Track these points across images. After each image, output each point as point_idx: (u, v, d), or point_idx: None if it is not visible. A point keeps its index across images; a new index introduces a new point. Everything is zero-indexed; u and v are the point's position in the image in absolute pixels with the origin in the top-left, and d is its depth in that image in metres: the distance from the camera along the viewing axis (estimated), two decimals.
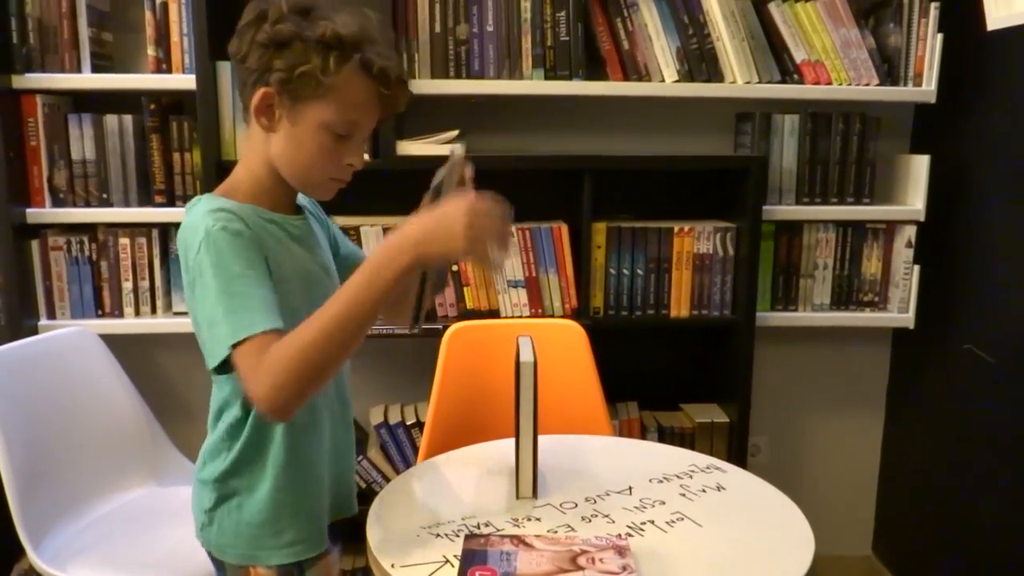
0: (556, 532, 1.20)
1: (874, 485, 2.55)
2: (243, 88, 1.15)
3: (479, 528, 1.20)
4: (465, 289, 2.10)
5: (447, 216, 1.05)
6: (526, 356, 1.31)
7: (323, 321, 1.02)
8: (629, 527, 1.22)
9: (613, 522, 1.23)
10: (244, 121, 1.20)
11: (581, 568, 1.07)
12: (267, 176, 1.17)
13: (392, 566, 1.11)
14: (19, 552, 1.69)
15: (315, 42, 1.09)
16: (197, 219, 1.09)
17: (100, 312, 2.09)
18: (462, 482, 1.41)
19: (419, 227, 1.05)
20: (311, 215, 1.28)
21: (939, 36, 2.08)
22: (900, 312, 2.22)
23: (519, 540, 1.14)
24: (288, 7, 1.11)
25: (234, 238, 1.06)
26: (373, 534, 1.20)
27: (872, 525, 2.57)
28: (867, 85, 2.12)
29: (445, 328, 1.96)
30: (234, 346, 1.02)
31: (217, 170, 1.97)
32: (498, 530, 1.20)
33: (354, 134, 1.16)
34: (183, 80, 1.99)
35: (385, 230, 2.05)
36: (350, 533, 1.33)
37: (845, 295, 2.23)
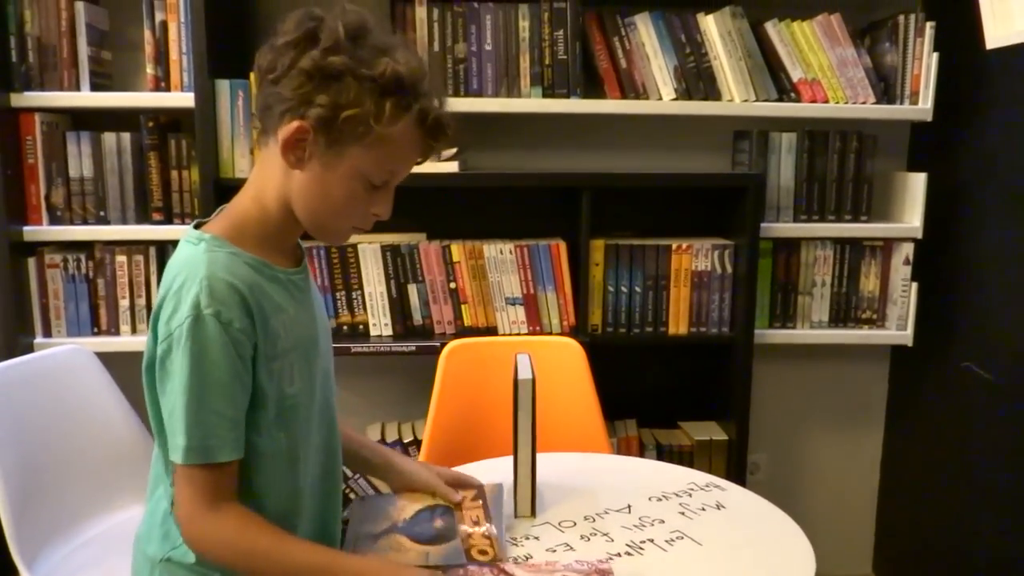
0: (555, 551, 1.19)
1: (874, 503, 2.54)
2: (266, 110, 1.02)
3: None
4: (463, 307, 2.09)
5: None
6: (524, 373, 1.30)
7: (280, 559, 1.01)
8: (628, 546, 1.21)
9: (612, 540, 1.22)
10: (259, 143, 1.07)
11: None
12: (279, 216, 1.06)
13: None
14: (11, 574, 1.67)
15: (371, 82, 0.97)
16: (194, 269, 0.99)
17: (96, 330, 2.09)
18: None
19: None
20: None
21: (935, 55, 2.09)
22: (899, 329, 2.22)
23: (499, 569, 1.13)
24: (345, 32, 0.97)
25: (224, 331, 0.97)
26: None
27: (872, 543, 2.56)
28: (864, 103, 2.13)
29: (443, 345, 1.95)
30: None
31: (215, 188, 1.98)
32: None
33: (389, 183, 1.07)
34: (182, 98, 1.99)
35: (383, 248, 2.05)
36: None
37: (843, 312, 2.23)
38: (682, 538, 1.24)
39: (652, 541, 1.23)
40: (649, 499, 1.37)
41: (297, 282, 1.10)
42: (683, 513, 1.32)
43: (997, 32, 1.71)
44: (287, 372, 1.05)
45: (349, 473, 2.09)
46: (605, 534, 1.24)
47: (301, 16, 1.00)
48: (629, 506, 1.34)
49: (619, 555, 1.18)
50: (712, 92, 2.10)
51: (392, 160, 1.04)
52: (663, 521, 1.29)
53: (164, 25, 1.99)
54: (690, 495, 1.39)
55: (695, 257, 2.12)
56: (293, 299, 1.08)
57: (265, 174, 1.06)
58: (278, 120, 1.00)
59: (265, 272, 1.05)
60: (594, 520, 1.29)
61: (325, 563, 1.05)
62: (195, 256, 1.00)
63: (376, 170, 1.03)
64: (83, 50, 1.98)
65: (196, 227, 1.07)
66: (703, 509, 1.34)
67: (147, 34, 1.99)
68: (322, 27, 0.98)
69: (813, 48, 2.11)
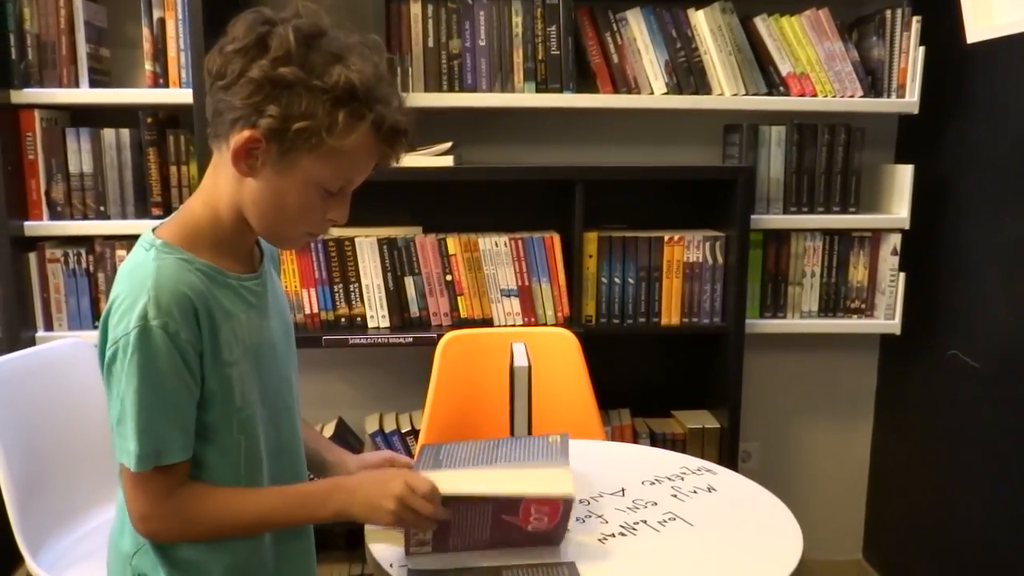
0: None
1: (864, 489, 2.58)
2: (217, 116, 1.00)
3: None
4: (459, 298, 2.13)
5: (382, 490, 1.07)
6: (520, 361, 1.34)
7: (241, 511, 1.05)
8: (622, 527, 1.24)
9: (606, 522, 1.26)
10: (211, 145, 1.04)
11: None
12: (232, 223, 1.04)
13: (391, 566, 1.13)
14: (17, 561, 1.70)
15: (323, 93, 0.95)
16: (143, 278, 0.97)
17: (97, 323, 2.11)
18: None
19: (353, 491, 1.08)
20: (268, 256, 1.17)
21: (921, 49, 2.13)
22: (887, 319, 2.26)
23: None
24: (295, 38, 0.95)
25: (171, 341, 0.96)
26: (372, 537, 1.21)
27: (862, 529, 2.60)
28: (851, 97, 2.16)
29: (439, 337, 1.99)
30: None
31: None
32: None
33: (345, 190, 1.05)
34: (180, 94, 2.02)
35: (380, 241, 2.08)
36: (351, 540, 1.34)
37: (832, 302, 2.27)
38: (674, 519, 1.27)
39: (645, 522, 1.26)
40: (642, 483, 1.41)
41: (251, 287, 1.09)
42: (675, 495, 1.36)
43: (977, 27, 1.75)
44: (240, 378, 1.05)
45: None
46: (600, 516, 1.28)
47: (252, 20, 0.97)
48: (623, 489, 1.38)
49: (613, 536, 1.22)
50: (703, 86, 2.14)
51: (347, 169, 1.02)
52: (656, 503, 1.33)
53: (162, 22, 2.01)
54: (682, 478, 1.43)
55: (687, 249, 2.16)
56: (247, 304, 1.07)
57: (218, 180, 1.04)
58: (229, 127, 0.98)
59: (216, 279, 1.03)
60: (589, 503, 1.32)
61: (291, 503, 1.08)
62: (144, 263, 1.00)
63: (331, 178, 1.01)
64: (82, 47, 2.01)
65: (154, 229, 1.06)
66: (695, 492, 1.38)
67: (145, 31, 2.02)
68: (273, 34, 0.96)
69: (801, 43, 2.15)
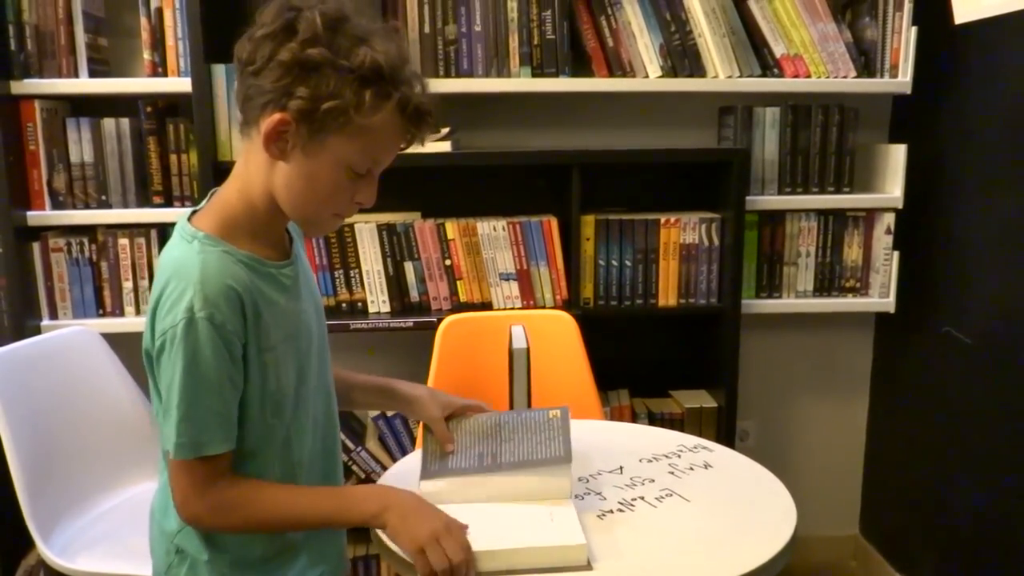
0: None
1: (860, 466, 2.61)
2: (247, 101, 1.03)
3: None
4: (458, 283, 2.15)
5: (421, 514, 1.08)
6: (519, 343, 1.37)
7: (286, 510, 1.08)
8: (620, 503, 1.27)
9: (605, 499, 1.29)
10: (241, 133, 1.08)
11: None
12: (266, 209, 1.08)
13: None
14: (28, 546, 1.73)
15: (350, 73, 0.98)
16: (189, 271, 1.01)
17: (101, 312, 2.14)
18: None
19: (396, 507, 1.08)
20: (296, 238, 1.21)
21: (914, 29, 2.14)
22: (881, 297, 2.28)
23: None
24: (322, 22, 0.98)
25: (217, 333, 1.00)
26: None
27: (858, 505, 2.64)
28: (845, 77, 2.18)
29: (439, 321, 2.01)
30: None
31: (214, 171, 2.02)
32: None
33: (373, 171, 1.08)
34: (179, 83, 2.03)
35: (379, 227, 2.10)
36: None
37: (828, 282, 2.29)
38: (671, 495, 1.30)
39: (643, 499, 1.29)
40: (640, 460, 1.43)
41: (287, 273, 1.12)
42: (672, 472, 1.39)
43: (964, 8, 1.76)
44: (279, 363, 1.09)
45: (352, 445, 2.16)
46: (598, 493, 1.31)
47: (279, 6, 1.00)
48: (621, 467, 1.40)
49: (611, 512, 1.25)
50: (697, 69, 2.15)
51: (374, 149, 1.05)
52: (653, 480, 1.35)
53: (159, 12, 2.02)
54: (679, 456, 1.46)
55: (683, 230, 2.18)
56: (283, 291, 1.11)
57: (250, 167, 1.07)
58: (259, 112, 1.01)
59: (257, 269, 1.07)
60: (588, 480, 1.35)
61: (333, 506, 1.11)
62: (189, 256, 1.03)
63: (359, 159, 1.04)
64: (80, 37, 2.02)
65: (189, 217, 1.10)
66: (691, 469, 1.40)
67: (143, 20, 2.03)
68: (300, 18, 0.98)
69: (795, 24, 2.16)
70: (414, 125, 1.05)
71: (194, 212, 1.11)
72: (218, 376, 1.02)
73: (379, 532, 1.13)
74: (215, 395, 1.02)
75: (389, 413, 2.21)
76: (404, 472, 1.36)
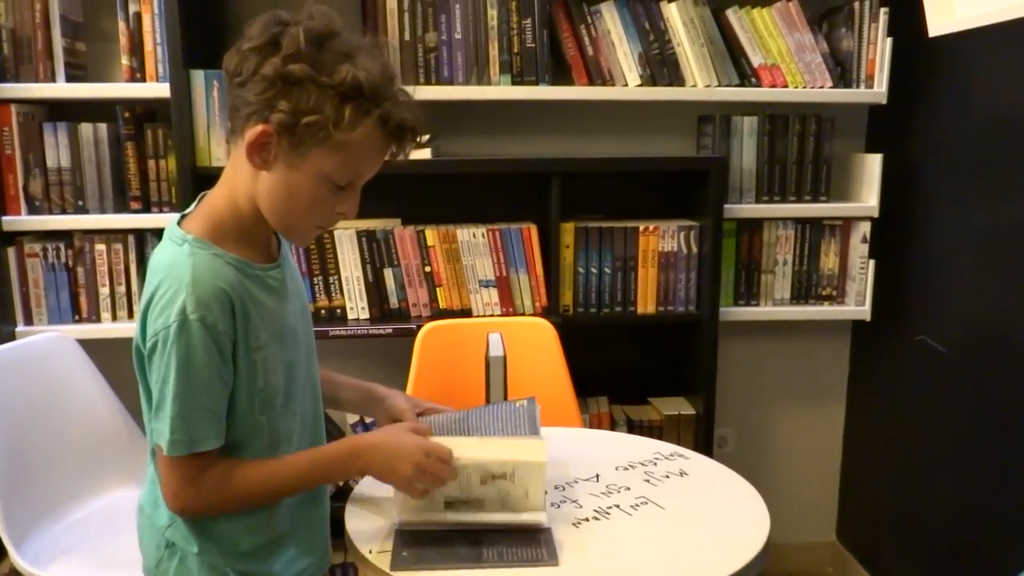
0: None
1: (837, 473, 2.63)
2: (234, 112, 1.06)
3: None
4: (438, 289, 2.15)
5: (399, 453, 1.14)
6: (495, 351, 1.37)
7: (268, 481, 1.12)
8: (595, 511, 1.28)
9: (581, 507, 1.29)
10: (228, 141, 1.12)
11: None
12: (251, 214, 1.10)
13: (370, 552, 1.16)
14: (0, 555, 1.72)
15: (331, 89, 1.00)
16: (180, 273, 1.04)
17: (77, 317, 2.12)
18: None
19: (372, 453, 1.16)
20: (284, 242, 1.24)
21: (889, 40, 2.17)
22: (857, 305, 2.31)
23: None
24: (306, 38, 1.00)
25: (208, 333, 1.03)
26: (351, 525, 1.24)
27: (836, 512, 2.66)
28: (821, 87, 2.20)
29: (419, 328, 2.01)
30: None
31: (192, 177, 2.01)
32: None
33: (354, 183, 1.10)
34: (157, 88, 2.02)
35: (359, 233, 2.10)
36: (331, 531, 1.37)
37: (804, 290, 2.31)
38: (646, 503, 1.31)
39: (618, 507, 1.30)
40: (616, 468, 1.44)
41: (274, 275, 1.15)
42: (648, 480, 1.39)
43: (938, 20, 1.79)
44: (268, 362, 1.12)
45: None
46: (574, 501, 1.31)
47: (267, 20, 1.03)
48: (597, 475, 1.41)
49: (587, 520, 1.25)
50: (676, 78, 2.17)
51: (355, 163, 1.07)
52: (629, 488, 1.36)
53: (138, 16, 2.01)
54: (655, 464, 1.47)
55: (662, 238, 2.19)
56: (270, 293, 1.14)
57: (236, 174, 1.10)
58: (244, 122, 1.04)
59: (245, 271, 1.10)
60: (564, 488, 1.36)
61: (309, 461, 1.16)
62: (180, 258, 1.06)
63: (339, 172, 1.06)
64: (58, 41, 2.01)
65: (179, 221, 1.13)
66: (667, 477, 1.41)
67: (121, 25, 2.02)
68: (285, 33, 1.01)
69: (772, 34, 2.18)
70: (396, 140, 1.08)
71: (184, 216, 1.14)
72: (210, 375, 1.05)
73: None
74: (207, 394, 1.05)
75: (368, 420, 2.21)
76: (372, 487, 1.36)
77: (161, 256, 1.09)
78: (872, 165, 2.23)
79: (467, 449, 1.18)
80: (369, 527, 1.24)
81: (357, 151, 1.05)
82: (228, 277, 1.07)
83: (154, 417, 1.08)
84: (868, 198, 2.25)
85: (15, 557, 1.67)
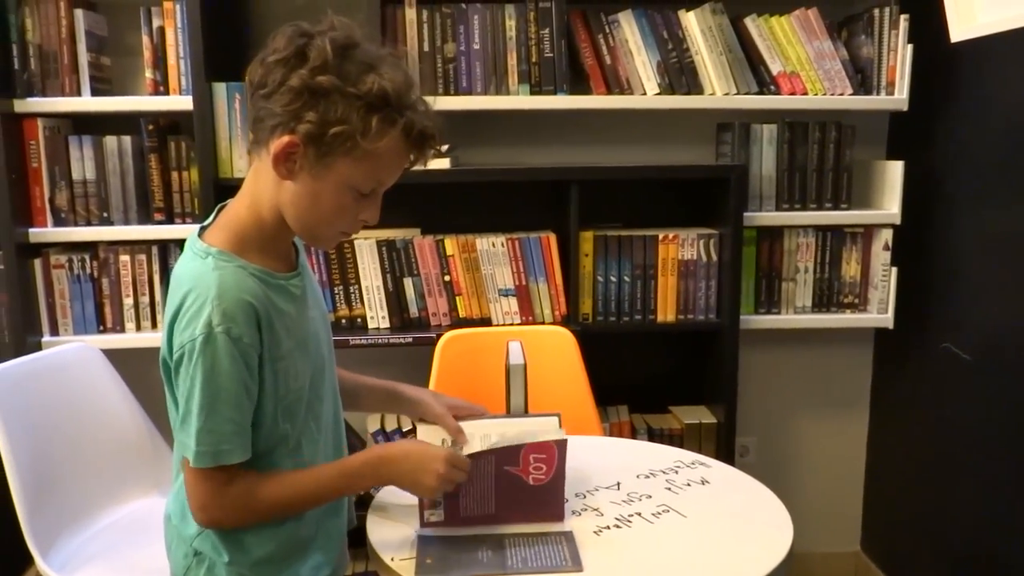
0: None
1: (861, 482, 2.61)
2: (258, 123, 1.07)
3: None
4: (457, 298, 2.16)
5: (424, 466, 1.16)
6: (515, 359, 1.37)
7: (294, 494, 1.13)
8: (617, 519, 1.27)
9: (602, 515, 1.29)
10: (249, 152, 1.12)
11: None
12: (274, 224, 1.12)
13: (392, 559, 1.16)
14: (27, 562, 1.73)
15: (357, 100, 1.02)
16: (205, 287, 1.04)
17: (102, 328, 2.15)
18: None
19: (398, 464, 1.17)
20: (301, 249, 1.26)
21: (909, 47, 2.15)
22: (880, 313, 2.29)
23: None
24: (332, 49, 1.01)
25: (234, 346, 1.04)
26: (373, 533, 1.25)
27: (860, 522, 2.63)
28: (841, 95, 2.19)
29: (439, 337, 2.02)
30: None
31: (215, 188, 2.04)
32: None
33: (376, 191, 1.12)
34: (180, 101, 2.05)
35: (379, 243, 2.12)
36: (352, 539, 1.37)
37: (826, 297, 2.30)
38: (668, 511, 1.30)
39: (639, 515, 1.29)
40: (637, 476, 1.44)
41: (295, 283, 1.17)
42: (669, 488, 1.39)
43: (960, 26, 1.78)
44: (289, 370, 1.13)
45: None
46: (595, 509, 1.31)
47: (291, 33, 1.04)
48: (618, 483, 1.41)
49: (608, 528, 1.25)
50: (694, 86, 2.17)
51: (379, 171, 1.09)
52: (650, 496, 1.36)
53: (161, 31, 2.05)
54: (676, 472, 1.46)
55: (681, 246, 2.19)
56: (292, 301, 1.15)
57: (259, 184, 1.11)
58: (269, 133, 1.05)
59: (269, 281, 1.11)
60: (585, 496, 1.36)
61: (335, 473, 1.17)
62: (205, 271, 1.07)
63: (364, 180, 1.08)
64: (83, 56, 2.04)
65: (199, 233, 1.14)
66: (688, 485, 1.41)
67: (145, 40, 2.05)
68: (311, 45, 1.02)
69: (791, 42, 2.18)
70: (418, 148, 1.10)
71: (203, 228, 1.15)
72: (236, 388, 1.06)
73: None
74: (233, 406, 1.06)
75: (388, 429, 2.22)
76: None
77: (184, 269, 1.10)
78: (894, 172, 2.22)
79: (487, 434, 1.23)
80: (391, 535, 1.24)
81: (381, 160, 1.07)
82: (253, 289, 1.08)
83: (181, 430, 1.09)
84: (890, 205, 2.24)
85: (41, 564, 1.69)
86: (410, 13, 2.08)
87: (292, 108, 1.02)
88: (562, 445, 1.23)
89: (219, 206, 1.18)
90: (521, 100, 2.14)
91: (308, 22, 1.06)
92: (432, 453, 1.18)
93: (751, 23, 2.17)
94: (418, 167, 1.16)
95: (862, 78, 2.21)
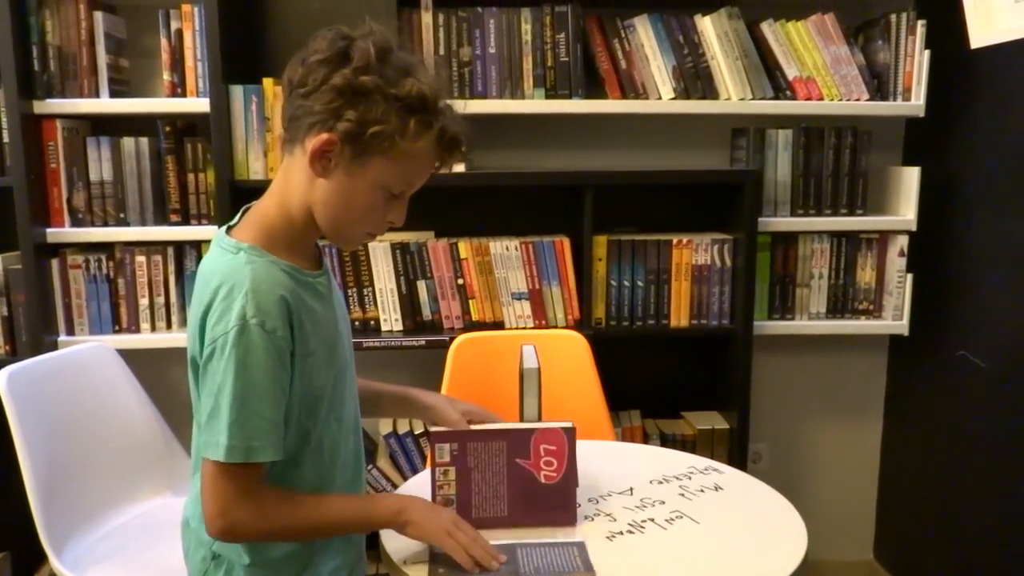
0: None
1: (874, 490, 2.59)
2: (293, 121, 1.08)
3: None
4: (471, 302, 2.16)
5: (437, 517, 1.18)
6: (529, 363, 1.37)
7: (314, 520, 1.13)
8: (630, 525, 1.27)
9: (615, 520, 1.29)
10: (283, 150, 1.13)
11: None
12: (303, 222, 1.12)
13: (404, 563, 1.17)
14: (41, 560, 1.75)
15: (397, 101, 1.04)
16: (239, 280, 1.05)
17: (117, 328, 2.16)
18: None
19: (413, 511, 1.17)
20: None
21: (926, 52, 2.14)
22: (895, 319, 2.27)
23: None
24: (375, 52, 1.04)
25: (268, 338, 1.04)
26: (387, 539, 1.24)
27: (873, 530, 2.61)
28: (857, 100, 2.18)
29: (452, 340, 2.02)
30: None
31: (231, 190, 2.04)
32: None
33: (405, 193, 1.14)
34: (197, 103, 2.06)
35: (393, 246, 2.12)
36: (367, 541, 1.37)
37: (840, 304, 2.29)
38: (681, 517, 1.30)
39: (653, 520, 1.29)
40: (650, 482, 1.44)
41: (322, 282, 1.18)
42: (682, 494, 1.39)
43: (980, 32, 1.77)
44: (315, 368, 1.13)
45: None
46: (608, 514, 1.31)
47: (333, 36, 1.06)
48: (631, 488, 1.41)
49: (621, 533, 1.25)
50: (710, 91, 2.16)
51: (411, 173, 1.11)
52: (663, 502, 1.35)
53: (179, 33, 2.06)
54: (690, 478, 1.46)
55: (695, 252, 2.18)
56: (319, 299, 1.16)
57: (290, 182, 1.12)
58: (306, 131, 1.06)
59: (298, 278, 1.12)
60: (598, 502, 1.35)
61: (359, 508, 1.18)
62: (237, 266, 1.07)
63: (396, 181, 1.10)
64: (102, 58, 2.06)
65: (228, 231, 1.14)
66: (702, 491, 1.40)
67: (163, 42, 2.06)
68: (354, 47, 1.05)
69: (808, 47, 2.17)
70: (447, 152, 1.12)
71: (229, 227, 1.15)
72: (269, 382, 1.05)
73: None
74: (266, 401, 1.05)
75: (400, 432, 2.22)
76: (415, 489, 1.36)
77: (214, 264, 1.10)
78: (910, 178, 2.21)
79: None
80: (405, 541, 1.23)
81: (415, 161, 1.09)
82: (286, 284, 1.08)
83: (207, 427, 1.06)
84: (906, 211, 2.22)
85: (55, 562, 1.70)
86: (426, 17, 2.09)
87: (333, 106, 1.04)
88: (571, 433, 1.24)
89: (245, 207, 1.18)
90: (536, 104, 2.14)
91: (346, 27, 1.08)
92: (444, 511, 1.21)
93: (767, 28, 2.17)
94: (443, 171, 1.17)
95: (879, 84, 2.20)
